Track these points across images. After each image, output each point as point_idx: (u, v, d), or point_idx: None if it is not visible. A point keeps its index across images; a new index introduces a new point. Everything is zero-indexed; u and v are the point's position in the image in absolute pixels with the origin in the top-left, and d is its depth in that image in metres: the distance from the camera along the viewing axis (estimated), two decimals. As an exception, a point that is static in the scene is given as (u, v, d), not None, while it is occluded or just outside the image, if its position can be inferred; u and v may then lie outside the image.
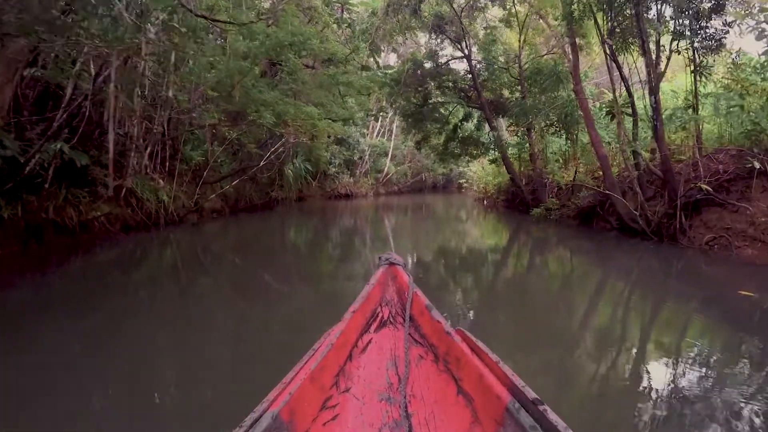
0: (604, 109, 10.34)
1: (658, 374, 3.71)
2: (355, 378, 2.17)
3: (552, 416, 1.55)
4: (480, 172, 23.30)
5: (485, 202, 22.01)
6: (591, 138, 9.96)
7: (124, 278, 6.87)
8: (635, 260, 8.69)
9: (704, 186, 7.91)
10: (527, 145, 16.45)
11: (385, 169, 32.32)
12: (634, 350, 4.31)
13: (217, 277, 7.40)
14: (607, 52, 9.32)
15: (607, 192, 9.69)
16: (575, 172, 12.13)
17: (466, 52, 16.40)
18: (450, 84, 17.69)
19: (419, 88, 17.88)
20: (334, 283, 7.21)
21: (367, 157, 29.77)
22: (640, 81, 9.79)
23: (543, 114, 12.83)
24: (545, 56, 16.01)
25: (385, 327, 2.56)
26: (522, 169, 17.36)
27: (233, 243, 11.47)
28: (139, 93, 10.70)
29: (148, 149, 12.02)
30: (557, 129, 15.55)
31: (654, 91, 8.36)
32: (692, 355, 4.10)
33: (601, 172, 10.96)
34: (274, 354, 3.87)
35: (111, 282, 6.54)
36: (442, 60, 17.62)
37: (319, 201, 24.38)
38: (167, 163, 13.02)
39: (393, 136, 33.00)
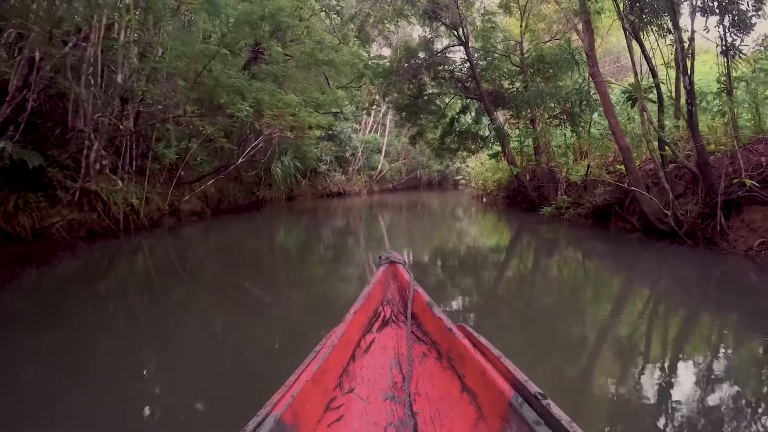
0: (623, 95, 9.20)
1: (698, 406, 3.01)
2: (359, 378, 2.15)
3: (556, 410, 1.55)
4: (478, 168, 22.20)
5: (484, 199, 20.93)
6: (611, 127, 8.80)
7: (88, 291, 6.13)
8: (665, 266, 7.59)
9: (748, 181, 6.78)
10: (530, 138, 15.35)
11: (379, 166, 31.28)
12: (670, 374, 3.60)
13: (195, 287, 6.75)
14: (628, 29, 8.17)
15: (631, 188, 8.50)
16: (587, 166, 10.91)
17: (463, 39, 15.19)
18: (446, 74, 16.49)
19: (413, 79, 16.68)
20: (325, 289, 6.73)
21: (359, 153, 28.62)
22: (665, 64, 8.66)
23: (552, 101, 11.63)
24: (549, 42, 14.87)
25: (388, 326, 2.55)
26: (524, 163, 16.25)
27: (214, 248, 10.48)
28: (99, 84, 9.51)
29: (115, 147, 10.87)
30: (561, 120, 14.53)
31: (687, 70, 7.21)
32: (738, 381, 3.37)
33: (617, 166, 9.86)
34: (257, 372, 3.55)
35: (72, 295, 5.87)
36: (438, 48, 16.35)
37: (311, 200, 23.49)
38: (137, 163, 11.82)
39: (387, 132, 31.85)
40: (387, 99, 18.08)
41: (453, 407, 1.96)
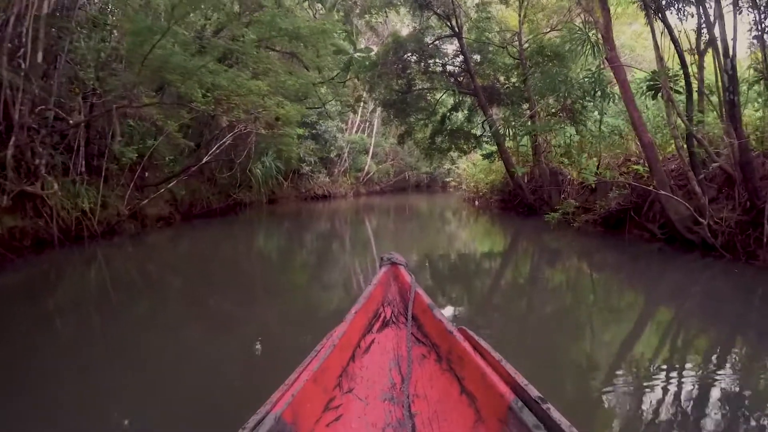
0: (642, 85, 8.10)
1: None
2: (358, 378, 2.15)
3: (555, 415, 1.53)
4: (470, 169, 21.05)
5: (476, 202, 19.84)
6: (632, 120, 7.64)
7: (31, 308, 5.48)
8: (695, 283, 6.50)
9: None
10: (527, 137, 14.23)
11: (366, 167, 30.05)
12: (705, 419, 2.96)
13: (157, 301, 6.07)
14: (651, 5, 7.04)
15: (656, 191, 7.32)
16: (597, 166, 9.71)
17: (457, 30, 14.02)
18: (438, 68, 15.30)
19: (402, 74, 15.48)
20: (306, 302, 6.06)
21: (345, 154, 27.38)
22: (690, 50, 7.53)
23: (563, 91, 10.44)
24: (551, 32, 13.75)
25: (388, 327, 2.55)
26: (521, 164, 15.09)
27: (183, 256, 9.47)
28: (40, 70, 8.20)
29: (66, 144, 9.56)
30: (560, 117, 13.44)
31: (728, 51, 6.07)
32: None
33: (633, 166, 8.75)
34: (226, 396, 3.18)
35: (13, 313, 5.25)
36: (429, 39, 15.12)
37: (294, 203, 22.45)
38: (94, 163, 10.51)
39: (374, 132, 30.64)
40: (373, 95, 16.80)
41: (451, 409, 1.95)
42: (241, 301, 6.00)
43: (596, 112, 12.53)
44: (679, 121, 7.33)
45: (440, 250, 10.28)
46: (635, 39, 20.00)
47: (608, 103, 9.10)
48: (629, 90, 7.69)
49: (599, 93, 8.72)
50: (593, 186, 9.38)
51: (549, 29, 14.03)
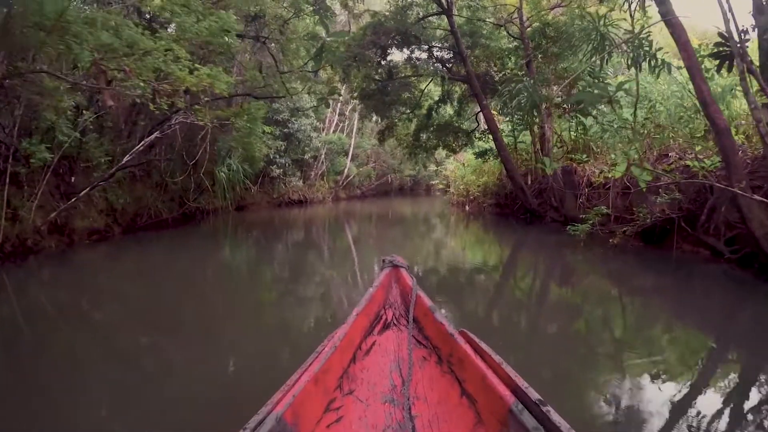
0: (705, 53, 6.13)
1: None
2: (359, 380, 2.16)
3: (555, 417, 1.54)
4: (459, 170, 19.03)
5: (467, 207, 17.79)
6: (700, 95, 5.52)
7: None
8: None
9: None
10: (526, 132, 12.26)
11: (345, 170, 27.90)
12: None
13: (86, 336, 4.67)
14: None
15: (738, 193, 5.20)
16: (626, 163, 7.53)
17: (446, 6, 11.91)
18: (424, 53, 13.22)
19: (382, 61, 13.38)
20: (273, 341, 4.52)
21: (322, 156, 25.23)
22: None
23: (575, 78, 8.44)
24: (556, 9, 11.79)
25: (389, 329, 2.56)
26: (518, 163, 13.13)
27: (118, 279, 7.39)
28: None
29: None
30: (564, 109, 11.55)
31: None
32: None
33: (688, 162, 6.76)
34: None
35: None
36: (413, 17, 12.94)
37: (265, 210, 20.34)
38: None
39: (354, 132, 28.54)
40: (348, 84, 14.63)
41: (452, 412, 1.95)
42: (188, 336, 4.57)
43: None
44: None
45: (433, 266, 8.28)
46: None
47: (657, 76, 7.06)
48: (694, 56, 5.63)
49: (649, 62, 6.61)
50: (620, 189, 7.34)
51: (555, 5, 12.06)
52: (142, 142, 9.68)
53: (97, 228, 10.65)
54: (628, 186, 7.72)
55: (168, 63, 6.15)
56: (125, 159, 9.36)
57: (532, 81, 8.79)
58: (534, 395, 1.64)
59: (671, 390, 3.20)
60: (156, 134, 9.81)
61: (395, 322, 2.59)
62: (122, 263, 9.02)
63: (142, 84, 5.90)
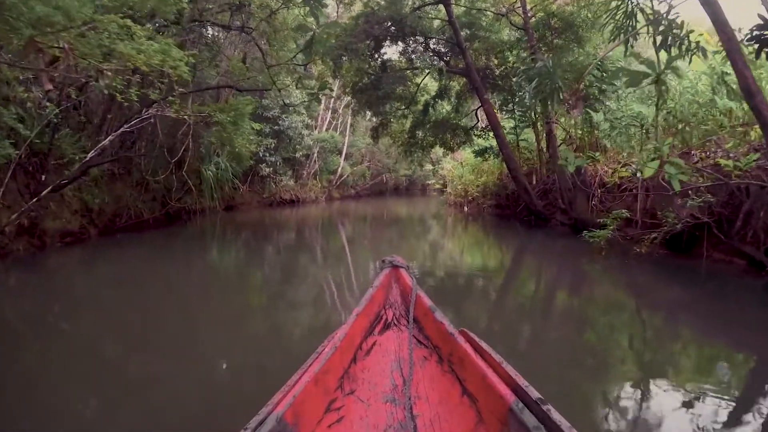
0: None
1: None
2: (360, 380, 2.15)
3: (556, 416, 1.53)
4: (457, 169, 18.32)
5: (466, 208, 17.07)
6: (743, 84, 4.82)
7: None
8: None
9: None
10: (529, 128, 11.57)
11: (339, 169, 27.16)
12: None
13: (55, 350, 4.03)
14: None
15: None
16: (659, 160, 6.69)
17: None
18: (420, 45, 12.48)
19: (375, 54, 12.64)
20: (261, 355, 4.00)
21: (315, 154, 24.47)
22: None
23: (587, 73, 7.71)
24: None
25: (389, 329, 2.56)
26: (521, 162, 12.44)
27: (93, 286, 6.69)
28: None
29: None
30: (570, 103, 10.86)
31: None
32: None
33: (719, 160, 6.05)
34: None
35: None
36: (408, 6, 12.12)
37: (256, 210, 19.60)
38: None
39: (348, 129, 27.81)
40: (339, 77, 13.86)
41: (453, 411, 1.94)
42: (168, 348, 4.10)
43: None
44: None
45: (430, 270, 7.48)
46: None
47: (689, 60, 6.35)
48: (734, 37, 4.91)
49: (679, 45, 5.87)
50: (644, 190, 6.61)
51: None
52: (108, 137, 8.85)
53: (71, 230, 9.96)
54: (647, 187, 7.00)
55: (114, 39, 5.32)
56: (90, 155, 8.53)
57: (551, 62, 7.94)
58: (534, 394, 1.64)
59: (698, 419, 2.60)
60: (124, 128, 8.94)
61: (395, 322, 2.59)
62: (98, 267, 8.32)
63: (85, 62, 5.09)
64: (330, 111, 26.74)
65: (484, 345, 2.04)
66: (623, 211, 6.68)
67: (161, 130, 12.29)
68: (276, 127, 20.13)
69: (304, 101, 18.17)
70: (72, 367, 3.71)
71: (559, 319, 5.03)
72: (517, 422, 1.61)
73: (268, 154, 20.20)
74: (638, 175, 6.80)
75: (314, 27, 13.08)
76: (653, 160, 6.13)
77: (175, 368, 3.65)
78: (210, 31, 13.59)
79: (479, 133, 14.21)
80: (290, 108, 20.10)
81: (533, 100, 8.81)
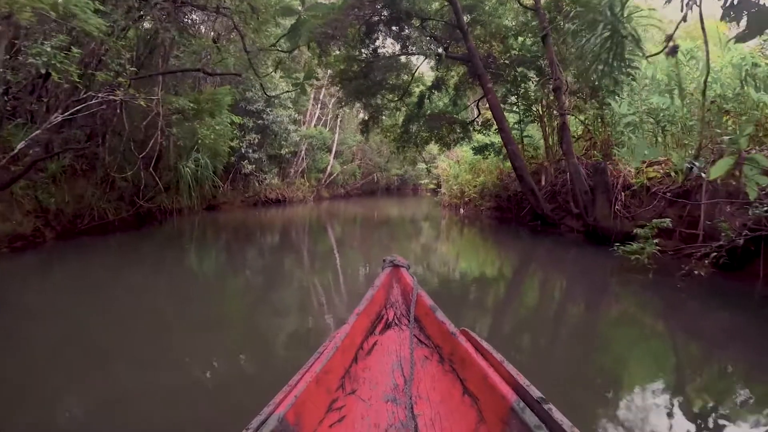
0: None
1: None
2: (361, 380, 2.14)
3: (557, 415, 1.50)
4: (452, 168, 17.22)
5: (462, 210, 15.96)
6: None
7: None
8: None
9: None
10: (534, 123, 10.46)
11: (328, 168, 26.02)
12: None
13: None
14: None
15: None
16: (733, 158, 5.45)
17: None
18: (415, 29, 11.35)
19: (366, 39, 11.49)
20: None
21: (303, 152, 23.30)
22: None
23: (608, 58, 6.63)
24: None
25: (390, 329, 2.54)
26: (526, 160, 11.38)
27: (47, 293, 5.89)
28: None
29: None
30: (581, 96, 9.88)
31: None
32: None
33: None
34: None
35: None
36: None
37: (239, 210, 18.50)
38: None
39: (338, 125, 26.67)
40: (324, 63, 12.65)
41: (454, 410, 1.92)
42: (132, 366, 3.58)
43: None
44: None
45: (423, 278, 6.38)
46: None
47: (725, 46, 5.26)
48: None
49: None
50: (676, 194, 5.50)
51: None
52: (44, 126, 7.59)
53: (22, 233, 8.81)
54: (680, 190, 5.91)
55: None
56: (19, 147, 7.30)
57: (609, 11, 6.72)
58: (535, 393, 1.61)
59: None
60: (57, 115, 7.66)
61: (396, 321, 2.57)
62: (54, 275, 7.25)
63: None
64: (319, 105, 25.55)
65: (485, 344, 2.02)
66: (664, 220, 5.51)
67: (127, 122, 11.04)
68: (260, 122, 19.05)
69: (289, 92, 16.97)
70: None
71: (566, 340, 3.99)
72: (518, 421, 1.59)
73: (251, 150, 19.03)
74: (675, 174, 5.67)
75: (300, 9, 12.02)
76: (727, 156, 4.97)
77: (139, 384, 3.26)
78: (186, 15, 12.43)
79: (479, 128, 13.10)
80: (275, 101, 19.04)
81: (595, 63, 7.26)
